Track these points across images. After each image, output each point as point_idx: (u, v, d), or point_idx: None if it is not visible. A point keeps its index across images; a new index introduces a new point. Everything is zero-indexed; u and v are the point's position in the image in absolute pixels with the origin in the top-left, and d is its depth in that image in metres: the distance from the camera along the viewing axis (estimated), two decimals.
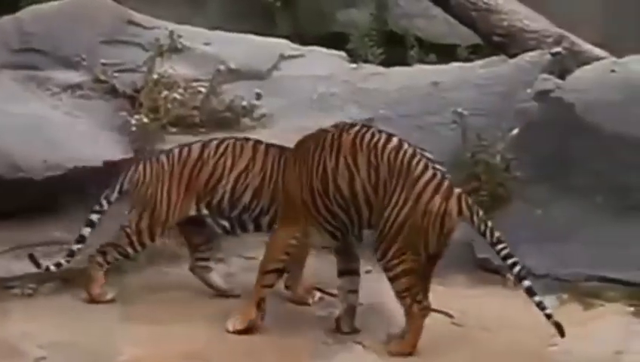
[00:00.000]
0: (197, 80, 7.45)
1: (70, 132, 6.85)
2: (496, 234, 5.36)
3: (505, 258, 5.37)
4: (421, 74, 7.45)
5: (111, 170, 6.31)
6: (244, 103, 7.39)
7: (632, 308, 6.04)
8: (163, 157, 5.97)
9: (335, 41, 8.53)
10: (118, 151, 6.78)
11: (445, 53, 8.43)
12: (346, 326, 5.63)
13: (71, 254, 5.91)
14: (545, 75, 6.95)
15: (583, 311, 6.04)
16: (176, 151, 5.98)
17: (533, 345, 5.64)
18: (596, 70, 6.89)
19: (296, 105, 7.36)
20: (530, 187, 6.48)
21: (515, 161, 6.52)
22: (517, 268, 5.35)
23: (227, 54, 7.74)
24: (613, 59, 7.05)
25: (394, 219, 5.41)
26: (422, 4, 8.75)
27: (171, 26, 7.91)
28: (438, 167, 5.46)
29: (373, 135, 5.53)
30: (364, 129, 5.59)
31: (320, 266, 6.05)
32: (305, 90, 7.47)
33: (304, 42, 8.34)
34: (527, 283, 5.34)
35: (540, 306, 5.34)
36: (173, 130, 7.18)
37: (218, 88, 7.43)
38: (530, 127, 6.70)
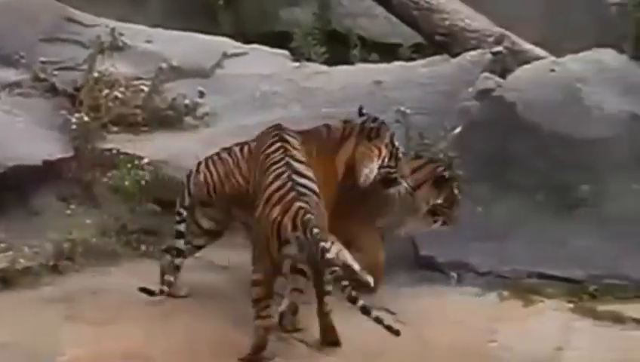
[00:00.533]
0: (139, 78, 7.41)
1: (9, 130, 6.76)
2: (328, 255, 5.16)
3: (336, 280, 5.16)
4: (364, 73, 7.48)
5: (50, 169, 6.24)
6: (187, 102, 7.35)
7: (571, 304, 6.13)
8: (225, 155, 5.98)
9: (278, 39, 8.52)
10: (58, 150, 6.72)
11: (388, 52, 8.46)
12: (288, 324, 5.63)
13: (177, 268, 5.87)
14: (486, 74, 7.01)
15: (523, 308, 6.10)
16: (237, 148, 5.98)
17: (474, 342, 5.69)
18: (536, 69, 6.96)
19: (239, 104, 7.34)
20: (472, 185, 6.53)
21: (457, 159, 6.56)
22: (347, 290, 5.12)
23: (169, 52, 7.70)
24: (553, 58, 7.14)
25: (253, 225, 5.47)
26: (364, 3, 8.78)
27: (112, 23, 7.85)
28: (294, 177, 5.38)
29: (270, 137, 5.62)
30: (269, 130, 5.69)
31: None
32: (248, 88, 7.46)
33: (247, 41, 8.32)
34: (361, 303, 5.13)
35: (364, 310, 5.12)
36: (115, 128, 7.13)
37: (160, 86, 7.39)
38: (472, 125, 6.75)
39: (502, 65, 7.15)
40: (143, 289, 5.75)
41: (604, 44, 7.08)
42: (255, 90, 7.43)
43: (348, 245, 5.81)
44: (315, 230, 5.18)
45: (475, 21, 7.54)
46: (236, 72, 7.70)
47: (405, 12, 7.76)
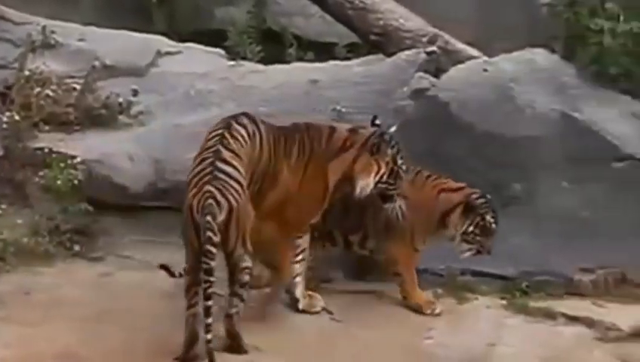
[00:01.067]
0: (71, 76, 7.31)
1: None
2: (209, 247, 5.15)
3: (205, 272, 5.16)
4: (300, 72, 7.46)
5: None
6: (121, 100, 7.28)
7: (504, 301, 6.22)
8: None
9: (213, 38, 8.46)
10: None
11: (323, 51, 8.46)
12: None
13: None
14: (421, 74, 7.04)
15: (457, 305, 6.18)
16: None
17: (410, 339, 5.75)
18: (469, 69, 7.01)
19: (174, 103, 7.28)
20: None
21: None
22: (205, 286, 5.15)
23: (103, 51, 7.61)
24: (486, 58, 7.20)
25: None
26: (300, 2, 8.76)
27: (44, 21, 7.73)
28: (217, 163, 5.39)
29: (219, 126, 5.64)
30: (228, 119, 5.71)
31: None
32: (182, 87, 7.40)
33: (182, 39, 8.25)
34: (209, 303, 5.13)
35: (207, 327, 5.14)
36: (47, 127, 7.03)
37: (93, 85, 7.31)
38: (407, 124, 6.75)
39: (436, 65, 7.19)
40: (164, 268, 5.71)
41: (536, 44, 7.17)
42: (190, 88, 7.37)
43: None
44: (207, 217, 5.17)
45: (410, 21, 7.58)
46: (171, 71, 7.63)
47: (340, 11, 7.77)
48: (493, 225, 5.98)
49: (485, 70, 6.90)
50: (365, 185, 5.77)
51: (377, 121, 5.96)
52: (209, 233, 5.18)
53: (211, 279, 5.16)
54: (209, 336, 5.10)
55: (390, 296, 6.13)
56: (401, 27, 7.53)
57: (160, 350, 5.38)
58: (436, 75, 7.04)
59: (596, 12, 6.86)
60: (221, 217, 5.27)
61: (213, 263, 5.20)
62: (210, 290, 5.15)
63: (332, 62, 7.69)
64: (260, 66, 7.72)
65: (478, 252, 6.03)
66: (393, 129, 6.74)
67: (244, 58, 8.21)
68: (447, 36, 7.47)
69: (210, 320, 5.12)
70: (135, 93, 7.35)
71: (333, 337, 5.71)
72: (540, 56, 7.00)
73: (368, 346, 5.63)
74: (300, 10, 9.17)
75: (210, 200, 5.25)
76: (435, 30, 7.50)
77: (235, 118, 5.72)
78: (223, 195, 5.31)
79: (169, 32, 8.62)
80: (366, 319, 5.90)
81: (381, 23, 7.58)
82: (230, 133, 5.58)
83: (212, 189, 5.30)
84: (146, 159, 6.90)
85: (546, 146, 6.26)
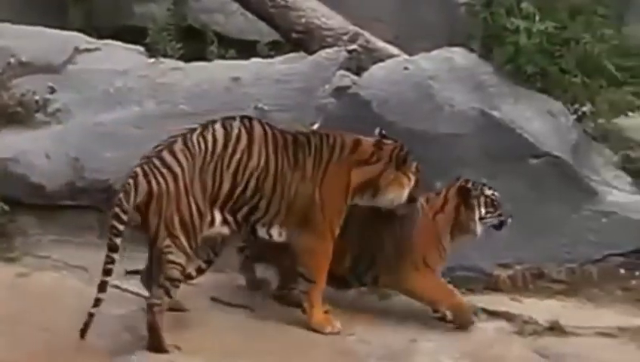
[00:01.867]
0: None
1: None
2: (112, 222, 5.29)
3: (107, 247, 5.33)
4: (221, 69, 7.43)
5: None
6: (37, 98, 7.17)
7: None
8: None
9: (132, 35, 8.38)
10: None
11: (245, 49, 8.44)
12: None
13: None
14: (342, 72, 7.09)
15: (379, 301, 6.22)
16: None
17: (332, 336, 5.76)
18: (390, 67, 7.06)
19: (93, 100, 7.19)
20: None
21: None
22: (105, 260, 5.32)
23: (18, 48, 7.50)
24: (406, 56, 7.27)
25: None
26: None
27: None
28: (163, 152, 5.46)
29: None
30: None
31: None
32: (101, 84, 7.30)
33: (100, 36, 8.16)
34: (105, 278, 5.32)
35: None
36: None
37: (9, 82, 7.21)
38: (329, 122, 6.80)
39: (357, 63, 7.24)
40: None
41: (455, 44, 7.26)
42: (109, 86, 7.28)
43: None
44: (120, 194, 5.30)
45: (331, 19, 7.61)
46: (89, 68, 7.53)
47: (262, 9, 7.77)
48: (496, 193, 6.02)
49: (405, 68, 6.95)
50: (398, 197, 5.84)
51: (384, 132, 5.98)
52: (116, 208, 5.28)
53: (112, 255, 5.27)
54: (92, 310, 5.28)
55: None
56: (323, 25, 7.56)
57: (82, 349, 5.33)
58: (357, 73, 7.09)
59: (512, 12, 6.98)
60: (137, 198, 5.32)
61: (117, 239, 5.28)
62: (109, 266, 5.27)
63: (254, 60, 7.67)
64: (181, 64, 7.67)
65: (502, 223, 6.02)
66: (316, 126, 6.80)
67: (164, 55, 8.14)
68: (367, 35, 7.53)
69: (101, 295, 5.29)
70: (52, 90, 7.25)
71: (255, 335, 5.70)
72: (458, 55, 7.07)
73: (289, 344, 5.64)
74: (221, 8, 9.15)
75: (130, 180, 5.34)
76: (356, 29, 7.55)
77: (225, 119, 5.72)
78: (146, 177, 5.33)
79: (88, 28, 8.52)
80: (288, 317, 5.89)
81: (303, 21, 7.60)
82: (201, 132, 5.59)
83: (137, 170, 5.39)
84: (64, 158, 6.81)
85: (465, 143, 6.35)
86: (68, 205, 6.71)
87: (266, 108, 6.73)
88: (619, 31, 7.87)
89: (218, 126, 5.65)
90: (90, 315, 5.29)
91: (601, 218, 6.65)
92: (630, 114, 7.60)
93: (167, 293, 5.41)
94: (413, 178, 5.87)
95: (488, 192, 6.00)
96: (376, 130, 5.94)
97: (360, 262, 5.97)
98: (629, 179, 7.07)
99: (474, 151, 6.21)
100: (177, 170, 5.43)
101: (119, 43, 7.94)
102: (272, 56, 7.88)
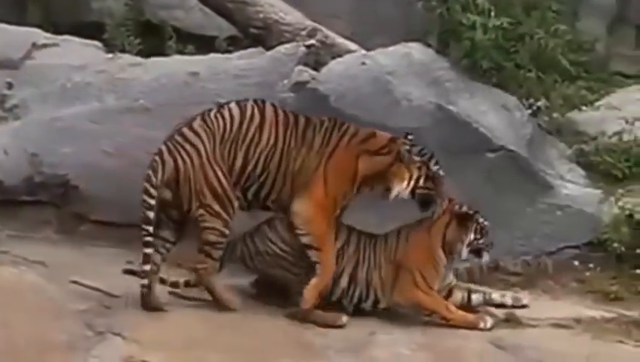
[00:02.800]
0: None
1: None
2: (143, 196, 5.71)
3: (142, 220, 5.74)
4: (180, 64, 7.41)
5: None
6: None
7: None
8: None
9: (90, 30, 8.34)
10: None
11: (204, 44, 8.43)
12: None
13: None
14: (301, 67, 7.10)
15: None
16: None
17: (293, 329, 5.81)
18: (348, 63, 7.09)
19: (51, 95, 7.16)
20: None
21: None
22: (142, 234, 5.73)
23: None
24: (364, 52, 7.30)
25: None
26: None
27: None
28: (184, 129, 5.87)
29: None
30: None
31: None
32: (59, 79, 7.26)
33: (58, 31, 8.10)
34: (146, 250, 5.71)
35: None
36: None
37: None
38: None
39: (315, 58, 7.26)
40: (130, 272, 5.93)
41: (412, 39, 7.31)
42: (67, 81, 7.24)
43: None
44: (149, 171, 5.77)
45: (289, 15, 7.61)
46: (47, 63, 7.48)
47: (220, 5, 7.74)
48: (486, 222, 6.04)
49: (363, 64, 6.99)
50: (399, 191, 5.96)
51: (410, 137, 6.05)
52: (146, 184, 5.67)
53: (148, 228, 5.58)
54: (144, 281, 5.66)
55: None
56: (281, 21, 7.56)
57: (42, 345, 5.32)
58: (316, 69, 7.11)
59: (468, 7, 7.02)
60: (165, 175, 5.67)
61: (149, 213, 5.66)
62: (147, 238, 5.60)
63: (212, 55, 7.67)
64: (139, 59, 7.64)
65: (482, 251, 6.06)
66: None
67: (122, 51, 8.11)
68: (325, 30, 7.54)
69: (146, 267, 5.59)
70: (10, 86, 7.21)
71: (217, 328, 5.73)
72: (415, 50, 7.11)
73: (250, 336, 5.66)
74: (180, 3, 9.13)
75: (156, 157, 5.72)
76: (314, 24, 7.55)
77: (239, 101, 6.03)
78: (170, 154, 5.71)
79: (46, 24, 8.45)
80: (253, 310, 5.92)
81: (261, 16, 7.59)
82: (218, 110, 5.96)
83: (162, 148, 5.76)
84: (22, 153, 6.79)
85: (422, 137, 6.39)
86: (26, 200, 6.68)
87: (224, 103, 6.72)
88: (572, 26, 7.99)
89: (233, 105, 5.99)
90: (143, 286, 5.69)
91: (555, 211, 6.75)
92: (584, 108, 7.73)
93: (209, 256, 5.75)
94: (416, 173, 5.96)
95: (481, 220, 6.06)
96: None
97: (355, 287, 6.00)
98: (582, 172, 7.16)
99: (431, 145, 6.23)
100: (199, 145, 5.75)
101: (77, 38, 7.89)
102: (230, 52, 7.86)
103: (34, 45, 7.63)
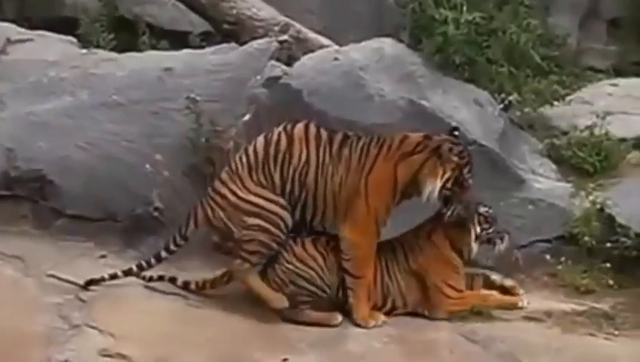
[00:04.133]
0: None
1: None
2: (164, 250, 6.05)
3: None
4: (153, 60, 7.42)
5: None
6: None
7: None
8: None
9: (65, 25, 8.32)
10: None
11: (177, 39, 8.42)
12: None
13: None
14: (273, 62, 7.12)
15: None
16: None
17: (267, 323, 5.83)
18: (320, 58, 7.12)
19: (25, 91, 7.14)
20: None
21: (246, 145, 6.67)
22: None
23: None
24: (336, 47, 7.34)
25: None
26: None
27: None
28: (209, 191, 6.06)
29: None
30: None
31: None
32: (34, 75, 7.25)
33: (32, 27, 8.09)
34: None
35: None
36: None
37: None
38: (261, 112, 6.86)
39: (288, 54, 7.29)
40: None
41: (384, 34, 7.35)
42: (42, 76, 7.23)
43: None
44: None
45: (262, 10, 7.64)
46: (21, 59, 7.47)
47: (193, 0, 7.77)
48: (490, 210, 6.07)
49: (336, 59, 7.01)
50: (432, 188, 5.85)
51: (456, 133, 6.03)
52: (175, 232, 6.05)
53: (151, 261, 6.00)
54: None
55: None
56: (254, 16, 7.59)
57: (18, 338, 5.34)
58: (288, 64, 7.13)
59: (440, 3, 7.06)
60: (198, 224, 6.02)
61: (164, 253, 6.02)
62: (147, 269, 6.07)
63: (186, 51, 7.67)
64: (113, 54, 7.65)
65: (501, 239, 6.09)
66: (247, 117, 6.86)
67: (96, 46, 8.09)
68: (298, 26, 7.58)
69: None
70: None
71: (191, 322, 5.76)
72: (387, 45, 7.14)
73: (225, 330, 5.70)
74: None
75: (191, 211, 6.05)
76: (287, 20, 7.59)
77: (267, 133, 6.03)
78: (202, 207, 6.01)
79: (20, 19, 8.43)
80: (224, 305, 5.95)
81: (234, 12, 7.62)
82: (245, 149, 6.05)
83: (196, 203, 6.10)
84: None
85: (394, 131, 6.45)
86: (2, 195, 6.67)
87: (198, 98, 6.74)
88: (544, 21, 8.04)
89: (260, 137, 6.01)
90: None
91: (527, 205, 6.78)
92: (555, 103, 7.79)
93: (247, 260, 5.83)
94: (449, 173, 5.86)
95: (482, 210, 6.07)
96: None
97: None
98: (554, 166, 7.22)
99: None
100: (226, 191, 5.92)
101: (51, 34, 7.88)
102: (203, 47, 7.86)
103: (8, 40, 7.61)
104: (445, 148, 5.87)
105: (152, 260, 6.02)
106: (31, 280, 5.96)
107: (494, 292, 6.10)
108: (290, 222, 5.86)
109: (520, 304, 6.07)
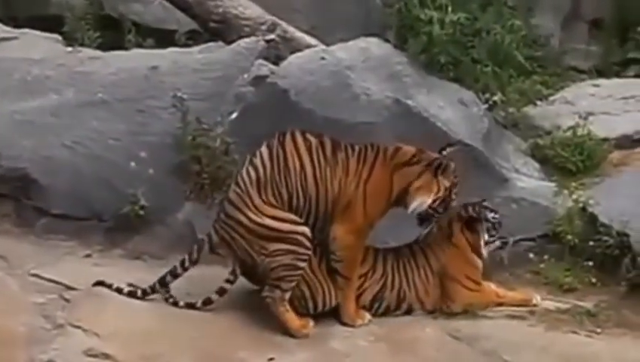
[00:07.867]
0: None
1: None
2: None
3: None
4: (139, 58, 7.43)
5: None
6: None
7: None
8: None
9: (50, 24, 8.30)
10: None
11: (163, 38, 8.42)
12: None
13: None
14: (260, 61, 7.14)
15: None
16: None
17: (252, 323, 5.82)
18: (307, 57, 7.13)
19: (10, 89, 7.12)
20: None
21: (233, 144, 6.69)
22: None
23: None
24: (323, 47, 7.35)
25: None
26: None
27: None
28: (220, 214, 5.89)
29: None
30: None
31: None
32: (19, 73, 7.24)
33: (17, 25, 8.08)
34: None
35: None
36: None
37: None
38: (247, 111, 6.88)
39: (275, 53, 7.31)
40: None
41: (370, 34, 7.37)
42: (26, 74, 7.22)
43: None
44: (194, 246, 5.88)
45: (249, 9, 7.64)
46: (6, 57, 7.46)
47: None
48: (497, 216, 6.15)
49: (323, 58, 7.03)
50: (421, 203, 5.86)
51: (450, 149, 6.03)
52: (187, 254, 5.88)
53: (155, 286, 5.89)
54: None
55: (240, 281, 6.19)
56: (241, 15, 7.59)
57: (1, 338, 5.31)
58: (275, 63, 7.15)
59: (426, 3, 7.09)
60: (214, 248, 5.85)
61: (169, 277, 5.87)
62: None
63: (172, 49, 7.68)
64: (99, 52, 7.64)
65: (504, 244, 6.22)
66: (234, 116, 6.87)
67: (82, 44, 8.08)
68: (285, 25, 7.59)
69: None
70: None
71: (173, 321, 5.74)
72: (373, 45, 7.17)
73: (208, 329, 5.70)
74: None
75: (205, 236, 5.90)
76: (274, 18, 7.60)
77: (264, 143, 5.89)
78: (217, 232, 5.82)
79: (5, 17, 8.40)
80: (214, 304, 5.92)
81: (220, 10, 7.62)
82: (250, 161, 5.84)
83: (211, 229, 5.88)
84: None
85: (380, 131, 6.46)
86: None
87: (184, 97, 6.75)
88: (527, 22, 8.09)
89: (264, 148, 5.83)
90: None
91: (511, 204, 6.80)
92: (539, 103, 7.84)
93: (278, 287, 5.71)
94: (441, 193, 5.87)
95: (490, 216, 6.15)
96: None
97: (381, 302, 6.04)
98: (537, 165, 7.26)
99: (389, 139, 6.30)
100: (239, 215, 5.74)
101: (37, 32, 7.87)
102: (189, 46, 7.87)
103: None
104: (449, 165, 5.91)
105: (157, 285, 5.87)
106: (14, 279, 5.94)
107: (510, 294, 6.22)
108: (310, 233, 5.78)
109: (534, 301, 6.16)
